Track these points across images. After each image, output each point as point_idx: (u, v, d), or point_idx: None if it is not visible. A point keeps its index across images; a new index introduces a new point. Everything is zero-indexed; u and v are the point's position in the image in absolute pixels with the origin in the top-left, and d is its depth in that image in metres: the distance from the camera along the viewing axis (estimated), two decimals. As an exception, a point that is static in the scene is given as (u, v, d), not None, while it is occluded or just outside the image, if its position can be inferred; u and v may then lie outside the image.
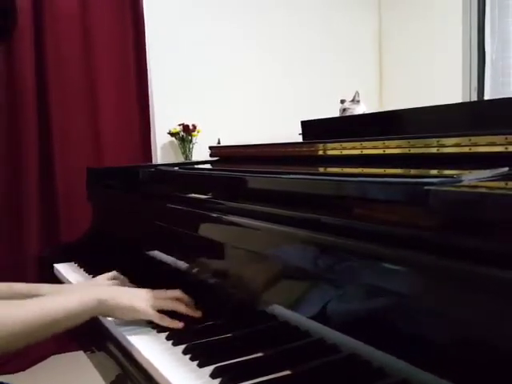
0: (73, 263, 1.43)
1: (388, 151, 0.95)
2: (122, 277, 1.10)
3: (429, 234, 0.53)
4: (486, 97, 2.89)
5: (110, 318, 0.93)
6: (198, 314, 0.89)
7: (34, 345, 0.81)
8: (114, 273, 1.10)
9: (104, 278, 1.08)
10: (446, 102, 1.09)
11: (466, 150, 0.83)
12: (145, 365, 0.77)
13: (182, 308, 0.89)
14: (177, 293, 0.92)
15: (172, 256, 1.12)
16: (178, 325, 0.85)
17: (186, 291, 0.98)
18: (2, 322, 0.74)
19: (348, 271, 0.62)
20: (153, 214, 1.23)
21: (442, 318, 0.51)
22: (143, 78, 2.81)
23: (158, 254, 1.19)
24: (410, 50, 3.32)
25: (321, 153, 1.13)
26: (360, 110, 1.74)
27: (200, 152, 2.77)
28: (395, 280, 0.56)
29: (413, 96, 3.03)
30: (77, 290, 0.98)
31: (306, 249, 0.69)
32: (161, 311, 0.88)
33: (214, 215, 0.92)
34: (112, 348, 0.88)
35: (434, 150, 0.87)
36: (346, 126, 1.34)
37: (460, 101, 2.83)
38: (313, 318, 0.68)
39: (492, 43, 2.88)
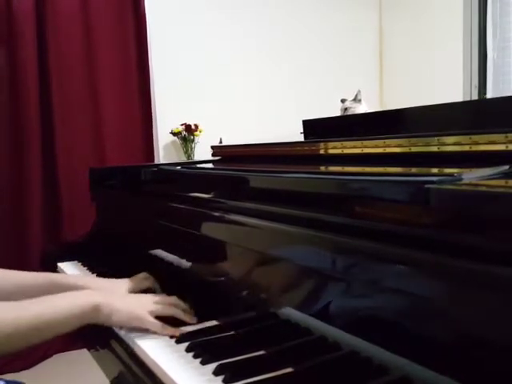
0: (76, 262, 1.44)
1: (389, 150, 0.95)
2: (152, 278, 1.06)
3: (429, 232, 0.54)
4: (487, 95, 2.89)
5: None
6: (194, 320, 0.87)
7: (38, 344, 0.81)
8: (144, 274, 1.06)
9: (136, 280, 1.04)
10: (446, 101, 1.09)
11: (466, 148, 0.83)
12: (148, 362, 0.78)
13: (181, 314, 0.88)
14: (173, 299, 0.91)
15: (175, 255, 1.13)
16: (181, 331, 0.84)
17: (188, 290, 0.99)
18: None
19: (348, 269, 0.63)
20: (156, 213, 1.23)
21: (442, 316, 0.52)
22: (145, 78, 2.82)
23: (161, 252, 1.20)
24: (410, 48, 3.31)
25: (322, 152, 1.14)
26: (361, 109, 1.73)
27: (202, 152, 2.77)
28: (395, 278, 0.56)
29: (414, 95, 3.03)
30: (72, 295, 0.89)
31: (308, 247, 0.70)
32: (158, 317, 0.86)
33: (217, 214, 0.92)
34: (115, 346, 0.89)
35: (434, 149, 0.87)
36: (348, 125, 1.34)
37: (461, 99, 2.83)
38: (314, 316, 0.68)
39: (493, 41, 2.88)
